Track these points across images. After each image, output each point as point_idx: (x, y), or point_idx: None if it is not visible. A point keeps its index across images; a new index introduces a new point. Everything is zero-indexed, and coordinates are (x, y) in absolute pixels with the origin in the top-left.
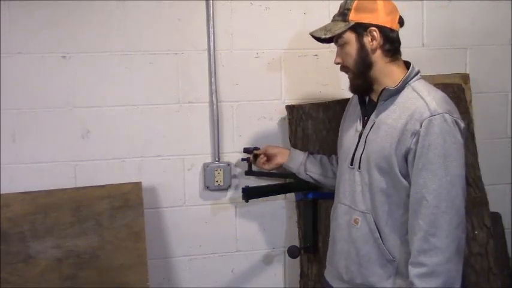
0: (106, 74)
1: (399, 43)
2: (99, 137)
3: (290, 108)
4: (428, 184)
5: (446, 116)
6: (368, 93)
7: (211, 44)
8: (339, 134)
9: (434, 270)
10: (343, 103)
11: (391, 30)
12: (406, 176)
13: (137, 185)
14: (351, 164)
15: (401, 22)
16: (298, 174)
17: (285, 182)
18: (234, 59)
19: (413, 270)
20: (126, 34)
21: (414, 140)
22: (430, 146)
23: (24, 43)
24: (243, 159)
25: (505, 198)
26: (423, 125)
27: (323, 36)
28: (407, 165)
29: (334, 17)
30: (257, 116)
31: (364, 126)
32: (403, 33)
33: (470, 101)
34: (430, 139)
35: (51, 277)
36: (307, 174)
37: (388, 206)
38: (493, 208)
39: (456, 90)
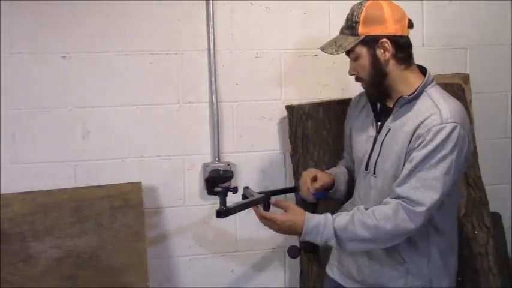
0: (106, 74)
1: (411, 47)
2: (99, 137)
3: (290, 108)
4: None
5: (458, 127)
6: (384, 100)
7: (211, 44)
8: (350, 135)
9: None
10: (343, 103)
11: (402, 36)
12: None
13: (137, 185)
14: (366, 169)
15: (410, 25)
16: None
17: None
18: (234, 59)
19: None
20: (126, 34)
21: (419, 141)
22: (428, 146)
23: (24, 43)
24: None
25: (505, 198)
26: (432, 130)
27: (335, 53)
28: None
29: (342, 29)
30: (257, 116)
31: (378, 131)
32: None
33: (470, 101)
34: (434, 144)
35: (51, 277)
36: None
37: None
38: (493, 208)
39: (456, 90)
